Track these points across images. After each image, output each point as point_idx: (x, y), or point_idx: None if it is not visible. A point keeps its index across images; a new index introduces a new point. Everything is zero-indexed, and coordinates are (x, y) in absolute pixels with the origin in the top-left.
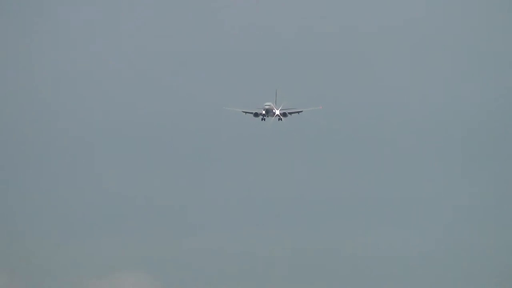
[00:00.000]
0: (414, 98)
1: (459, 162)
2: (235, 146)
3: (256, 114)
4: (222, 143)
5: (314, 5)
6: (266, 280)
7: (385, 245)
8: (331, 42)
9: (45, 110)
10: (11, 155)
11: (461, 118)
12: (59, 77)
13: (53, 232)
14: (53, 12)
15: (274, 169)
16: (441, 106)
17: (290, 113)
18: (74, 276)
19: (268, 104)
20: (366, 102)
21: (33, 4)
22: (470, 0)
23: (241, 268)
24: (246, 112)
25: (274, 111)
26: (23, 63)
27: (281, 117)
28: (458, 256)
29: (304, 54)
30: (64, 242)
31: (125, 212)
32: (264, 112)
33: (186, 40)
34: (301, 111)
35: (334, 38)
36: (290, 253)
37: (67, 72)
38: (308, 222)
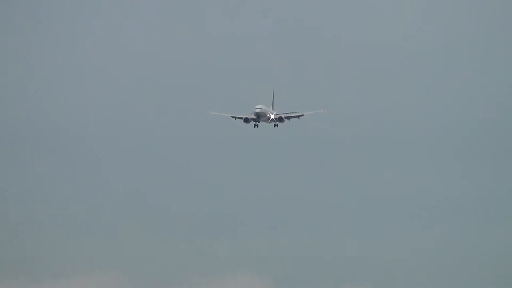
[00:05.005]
0: (417, 100)
1: (463, 165)
2: (228, 156)
3: (246, 120)
4: (212, 152)
5: (314, 5)
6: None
7: (392, 248)
8: (331, 42)
9: (44, 111)
10: (11, 156)
11: (465, 121)
12: (57, 77)
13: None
14: (53, 12)
15: (273, 177)
16: (445, 109)
17: (288, 118)
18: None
19: (259, 107)
20: (368, 105)
21: (33, 4)
22: (470, 3)
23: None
24: (235, 118)
25: (268, 115)
26: (23, 64)
27: (276, 122)
28: (461, 259)
29: (304, 55)
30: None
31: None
32: (255, 116)
33: (180, 41)
34: (302, 115)
35: (334, 39)
36: (293, 256)
37: (64, 73)
38: (309, 226)
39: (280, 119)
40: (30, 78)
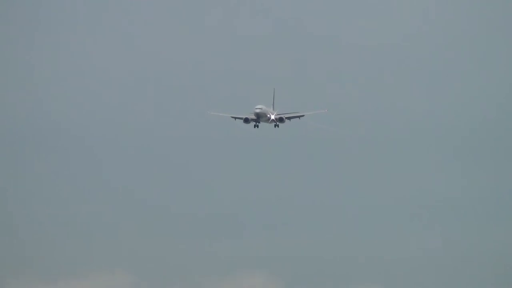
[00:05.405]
0: (417, 100)
1: (463, 165)
2: (228, 156)
3: (246, 120)
4: (212, 152)
5: (314, 5)
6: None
7: (392, 248)
8: (331, 42)
9: (44, 111)
10: (11, 156)
11: (465, 121)
12: (57, 77)
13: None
14: (53, 12)
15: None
16: (445, 109)
17: (289, 118)
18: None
19: (259, 108)
20: (368, 105)
21: (33, 4)
22: (470, 3)
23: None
24: (235, 118)
25: (268, 115)
26: (23, 64)
27: (277, 122)
28: (461, 259)
29: (304, 55)
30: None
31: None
32: (255, 117)
33: (180, 41)
34: (303, 116)
35: (334, 39)
36: (293, 256)
37: (64, 73)
38: (310, 226)
39: (281, 120)
40: (30, 78)
